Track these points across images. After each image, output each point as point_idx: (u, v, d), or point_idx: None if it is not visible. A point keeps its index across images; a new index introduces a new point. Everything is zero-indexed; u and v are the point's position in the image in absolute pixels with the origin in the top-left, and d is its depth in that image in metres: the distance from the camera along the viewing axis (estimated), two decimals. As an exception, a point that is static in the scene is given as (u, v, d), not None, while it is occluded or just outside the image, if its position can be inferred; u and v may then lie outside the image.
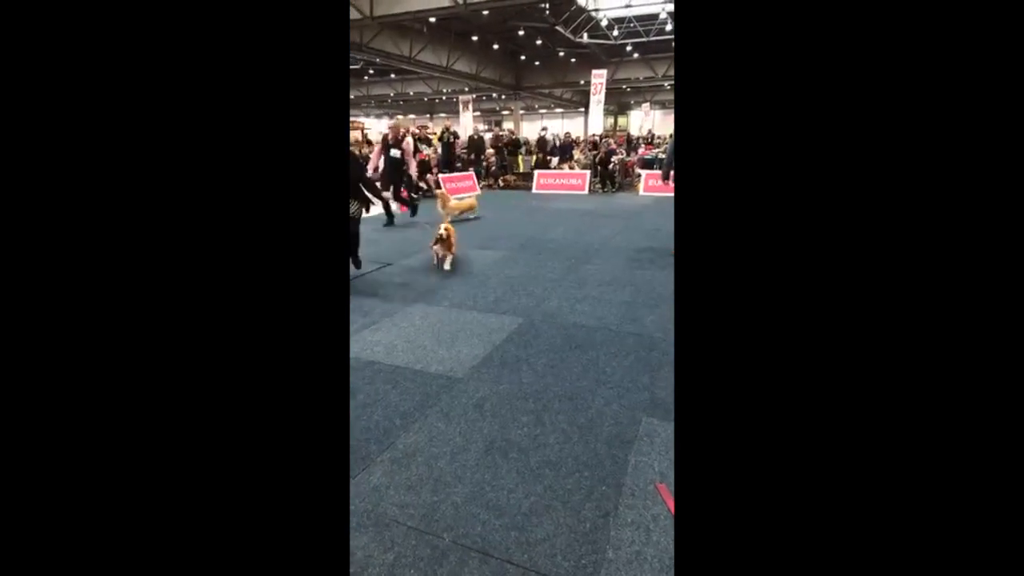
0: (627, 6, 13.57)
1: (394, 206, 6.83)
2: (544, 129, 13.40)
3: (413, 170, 7.12)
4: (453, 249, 4.48)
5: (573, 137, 13.32)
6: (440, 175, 10.23)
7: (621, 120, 27.63)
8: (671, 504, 1.59)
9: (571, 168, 11.69)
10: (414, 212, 7.18)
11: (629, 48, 17.62)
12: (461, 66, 17.65)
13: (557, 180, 10.98)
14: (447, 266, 4.44)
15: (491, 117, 31.65)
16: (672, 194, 8.77)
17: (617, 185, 10.79)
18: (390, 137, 6.86)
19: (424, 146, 11.03)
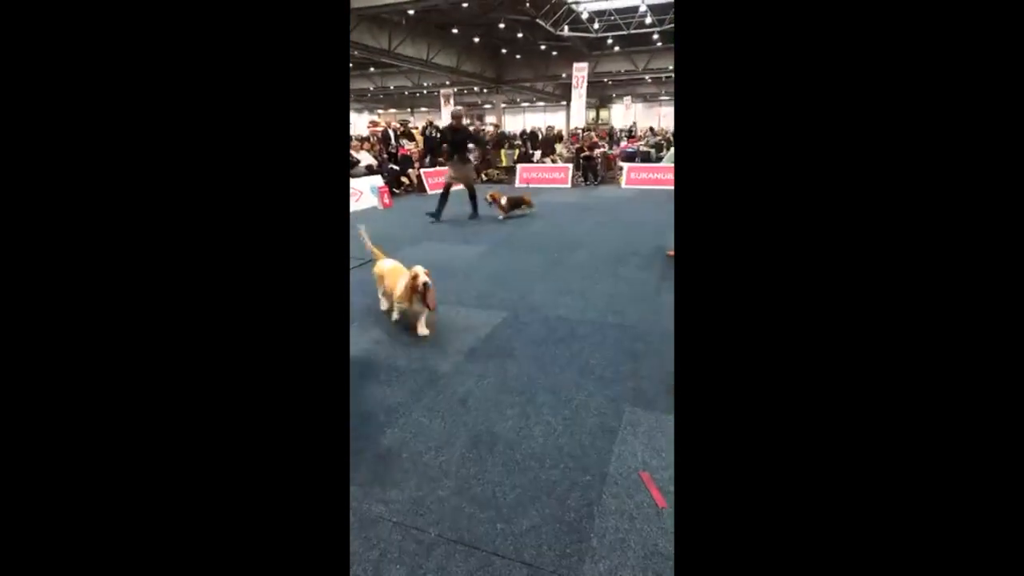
0: (607, -1, 13.57)
1: None
2: (495, 126, 13.40)
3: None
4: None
5: (556, 131, 13.32)
6: (423, 170, 10.16)
7: (603, 113, 27.70)
8: (655, 492, 1.61)
9: (554, 162, 11.70)
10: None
11: (610, 41, 17.64)
12: (441, 59, 17.48)
13: (540, 174, 10.98)
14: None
15: (473, 111, 31.44)
16: (653, 187, 8.86)
17: (600, 178, 10.84)
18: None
19: (406, 141, 10.93)
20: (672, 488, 1.63)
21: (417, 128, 12.05)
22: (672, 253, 4.47)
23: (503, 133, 13.88)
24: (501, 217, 6.71)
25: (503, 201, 6.77)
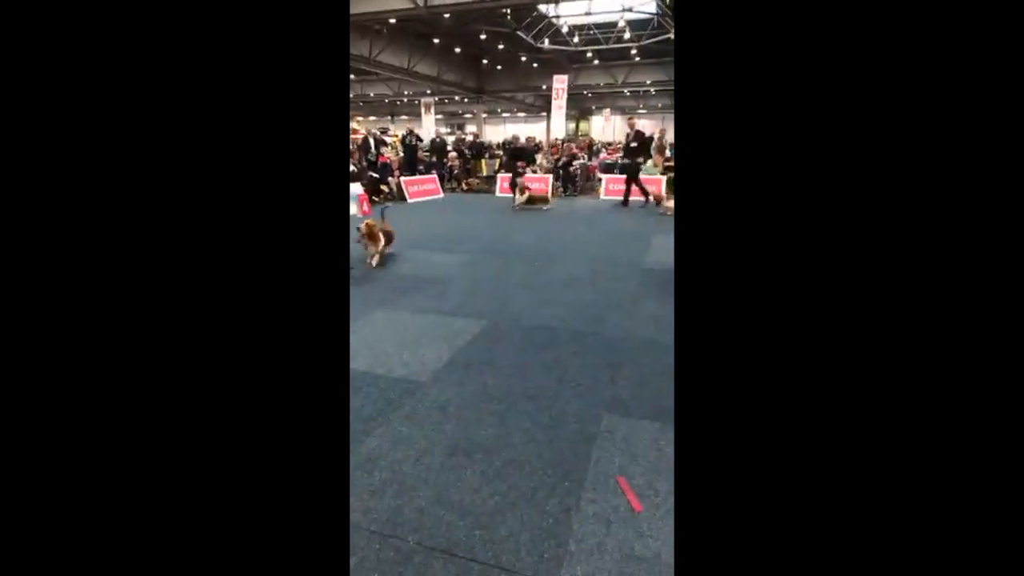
0: (587, 14, 13.86)
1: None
2: (475, 136, 13.51)
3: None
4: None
5: (536, 141, 13.47)
6: (402, 178, 10.13)
7: (583, 125, 28.11)
8: (631, 496, 1.64)
9: (534, 172, 11.81)
10: None
11: (589, 55, 17.99)
12: (422, 68, 17.53)
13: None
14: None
15: (453, 120, 31.56)
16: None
17: (579, 189, 10.98)
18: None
19: (385, 148, 10.89)
20: (647, 492, 1.67)
21: (397, 136, 12.02)
22: None
23: (482, 143, 13.95)
24: (374, 263, 4.58)
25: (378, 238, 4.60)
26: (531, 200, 8.40)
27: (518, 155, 9.70)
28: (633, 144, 8.65)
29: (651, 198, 8.40)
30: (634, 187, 8.64)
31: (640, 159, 8.74)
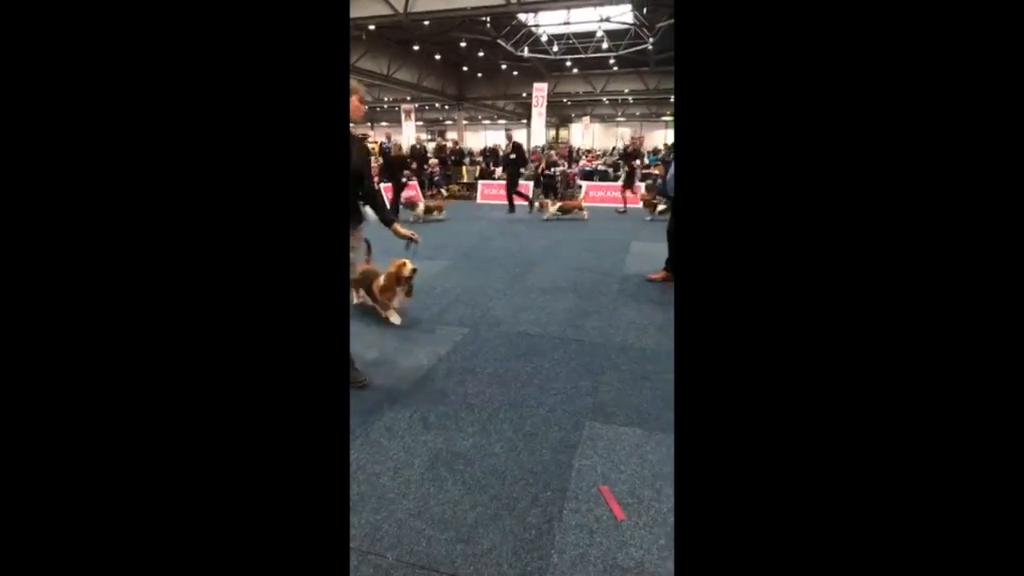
0: (566, 23, 14.03)
1: None
2: (455, 142, 13.43)
3: None
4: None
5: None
6: (382, 184, 10.05)
7: (563, 132, 28.36)
8: (614, 505, 1.63)
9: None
10: None
11: (568, 63, 18.19)
12: (402, 75, 17.47)
13: (501, 191, 11.08)
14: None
15: (434, 127, 31.50)
16: (611, 205, 9.13)
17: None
18: None
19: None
20: (630, 501, 1.66)
21: (376, 143, 11.94)
22: (652, 277, 4.40)
23: (461, 150, 13.96)
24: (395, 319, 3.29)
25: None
26: (427, 210, 8.46)
27: (399, 165, 9.06)
28: (512, 156, 9.25)
29: (537, 204, 8.99)
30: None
31: (521, 169, 9.25)
